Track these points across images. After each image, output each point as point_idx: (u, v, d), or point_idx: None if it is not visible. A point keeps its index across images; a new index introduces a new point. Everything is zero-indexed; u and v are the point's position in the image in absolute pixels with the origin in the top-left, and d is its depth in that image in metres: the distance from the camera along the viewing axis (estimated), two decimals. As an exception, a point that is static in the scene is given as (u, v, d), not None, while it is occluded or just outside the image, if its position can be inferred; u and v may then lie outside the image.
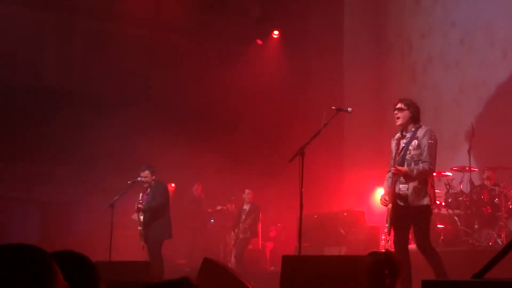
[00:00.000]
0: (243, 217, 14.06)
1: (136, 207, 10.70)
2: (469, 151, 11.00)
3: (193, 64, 16.90)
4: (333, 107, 7.84)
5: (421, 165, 7.20)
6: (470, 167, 11.15)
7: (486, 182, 11.28)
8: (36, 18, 15.45)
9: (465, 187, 11.40)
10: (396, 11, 16.06)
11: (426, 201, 7.17)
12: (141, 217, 10.63)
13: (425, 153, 7.22)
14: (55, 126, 14.55)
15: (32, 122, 14.39)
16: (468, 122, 11.53)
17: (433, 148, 7.26)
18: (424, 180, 7.23)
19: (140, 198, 10.67)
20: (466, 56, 14.10)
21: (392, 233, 7.34)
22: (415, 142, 7.30)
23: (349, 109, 7.93)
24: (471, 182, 11.22)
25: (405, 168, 7.23)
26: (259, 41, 17.85)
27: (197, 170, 15.93)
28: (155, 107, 16.18)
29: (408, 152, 7.34)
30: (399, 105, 7.45)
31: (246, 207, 14.24)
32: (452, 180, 11.51)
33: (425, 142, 7.24)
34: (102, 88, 15.85)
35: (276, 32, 17.66)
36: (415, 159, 7.25)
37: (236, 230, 13.98)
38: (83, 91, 15.85)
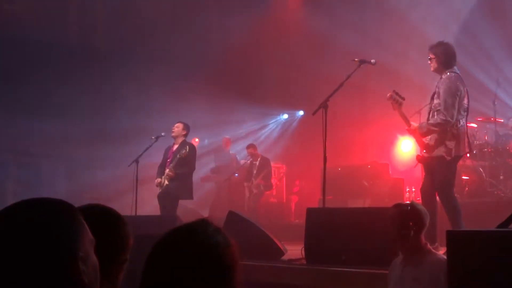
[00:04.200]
0: (255, 172, 14.21)
1: (165, 175, 10.63)
2: (494, 102, 10.89)
3: (215, 16, 16.79)
4: (356, 59, 7.77)
5: (435, 118, 7.06)
6: (495, 118, 11.04)
7: (512, 133, 11.19)
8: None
9: (490, 138, 11.31)
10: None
11: (442, 151, 7.01)
12: (167, 183, 10.59)
13: (441, 103, 7.02)
14: (79, 83, 14.63)
15: (57, 80, 14.46)
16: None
17: (448, 97, 6.99)
18: (443, 130, 7.03)
19: (170, 166, 10.57)
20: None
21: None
22: (437, 91, 7.14)
23: (372, 60, 7.85)
24: (496, 132, 11.13)
25: (415, 126, 7.16)
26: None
27: (222, 125, 15.99)
28: (177, 60, 16.15)
29: (432, 101, 7.23)
30: (429, 55, 7.27)
31: (256, 161, 14.37)
32: (477, 131, 11.43)
33: (442, 90, 7.04)
34: (125, 43, 15.84)
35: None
36: (437, 108, 7.08)
37: (249, 184, 14.16)
38: (108, 47, 15.86)
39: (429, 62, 7.29)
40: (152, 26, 16.01)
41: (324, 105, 7.43)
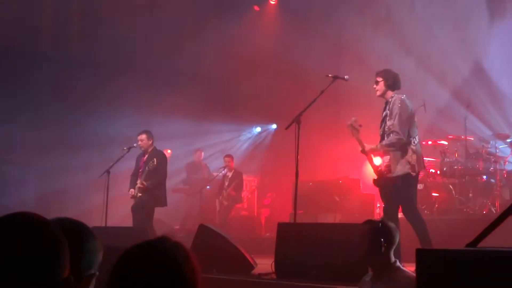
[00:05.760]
0: (226, 184, 14.22)
1: (136, 188, 10.58)
2: (465, 120, 11.02)
3: (190, 30, 16.78)
4: (329, 75, 7.85)
5: (390, 137, 7.28)
6: (466, 136, 11.17)
7: (481, 151, 11.31)
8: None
9: (460, 155, 11.43)
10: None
11: (406, 169, 7.21)
12: (140, 195, 10.55)
13: (394, 123, 7.26)
14: (52, 92, 14.52)
15: (29, 88, 14.34)
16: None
17: (401, 116, 7.27)
18: (403, 148, 7.26)
19: (141, 177, 10.54)
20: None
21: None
22: (389, 112, 7.36)
23: (345, 76, 7.94)
24: (466, 150, 11.25)
25: (370, 146, 7.40)
26: (256, 7, 17.72)
27: (195, 137, 15.96)
28: (154, 73, 16.10)
29: (385, 123, 7.43)
30: (375, 78, 7.57)
31: (229, 174, 14.38)
32: (447, 148, 11.54)
33: (394, 111, 7.27)
34: (99, 52, 15.73)
35: (273, -2, 17.55)
36: (391, 129, 7.31)
37: (220, 197, 14.15)
38: (80, 56, 15.76)
39: (375, 86, 7.58)
40: (127, 38, 15.93)
41: (297, 120, 7.48)
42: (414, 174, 7.26)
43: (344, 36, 16.53)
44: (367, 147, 7.46)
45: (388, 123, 7.32)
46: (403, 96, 7.41)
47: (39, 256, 1.63)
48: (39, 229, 1.69)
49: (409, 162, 7.21)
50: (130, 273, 1.90)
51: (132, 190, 10.65)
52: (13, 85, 14.35)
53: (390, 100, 7.44)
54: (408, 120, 7.30)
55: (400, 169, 7.22)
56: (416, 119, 7.50)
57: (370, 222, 4.89)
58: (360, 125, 7.45)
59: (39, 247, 1.64)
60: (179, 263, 1.93)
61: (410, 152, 7.24)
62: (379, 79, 7.51)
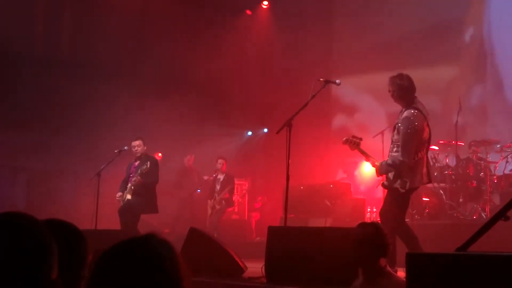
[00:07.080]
0: (218, 187, 14.17)
1: (130, 185, 10.56)
2: (455, 125, 11.03)
3: (182, 34, 16.77)
4: (321, 79, 7.82)
5: (393, 157, 7.06)
6: (456, 141, 11.19)
7: (472, 156, 11.33)
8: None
9: (451, 161, 11.46)
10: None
11: (397, 184, 7.01)
12: (129, 197, 10.52)
13: (400, 143, 6.98)
14: (42, 93, 14.45)
15: (20, 90, 14.27)
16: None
17: (408, 138, 6.94)
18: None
19: (132, 181, 10.54)
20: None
21: None
22: (397, 126, 7.09)
23: (337, 81, 7.91)
24: (457, 156, 11.28)
25: (376, 165, 7.21)
26: (248, 12, 17.73)
27: (186, 140, 15.93)
28: (145, 76, 16.06)
29: (393, 135, 7.19)
30: (388, 87, 7.23)
31: (220, 177, 14.35)
32: (438, 153, 11.57)
33: (402, 130, 6.97)
34: (92, 56, 15.70)
35: (265, 2, 17.56)
36: (397, 143, 7.06)
37: (212, 201, 14.11)
38: (72, 59, 15.71)
39: (389, 93, 7.27)
40: (119, 41, 15.90)
41: (288, 124, 7.45)
42: (403, 191, 6.98)
43: (336, 40, 16.58)
44: (373, 162, 7.26)
45: (395, 136, 7.07)
46: (414, 113, 7.00)
47: (27, 257, 1.62)
48: (28, 230, 1.67)
49: (401, 178, 6.99)
50: (112, 269, 1.88)
51: (120, 193, 10.63)
52: (2, 86, 14.28)
53: (402, 110, 7.15)
54: (414, 142, 6.96)
55: (393, 182, 7.04)
56: (426, 134, 7.09)
57: (364, 225, 4.88)
58: (360, 138, 7.27)
59: (28, 247, 1.63)
60: (162, 259, 1.91)
61: (406, 169, 6.97)
62: (390, 88, 7.16)
